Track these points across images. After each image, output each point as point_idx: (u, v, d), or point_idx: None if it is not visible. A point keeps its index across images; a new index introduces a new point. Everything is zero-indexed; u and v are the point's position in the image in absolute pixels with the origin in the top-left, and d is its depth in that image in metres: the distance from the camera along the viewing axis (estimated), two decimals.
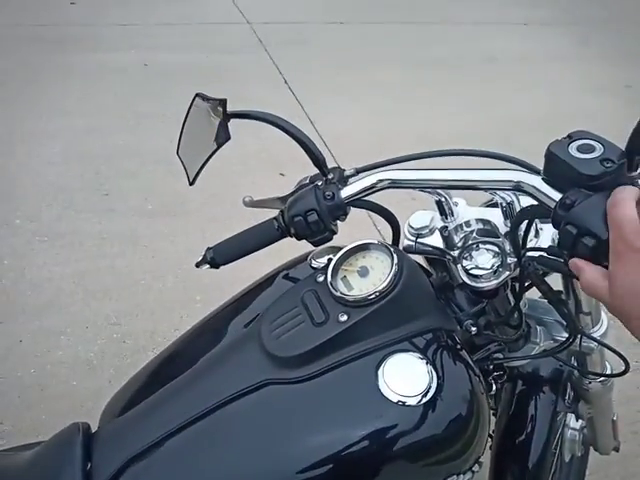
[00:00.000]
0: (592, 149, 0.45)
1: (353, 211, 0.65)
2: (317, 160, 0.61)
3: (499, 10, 4.43)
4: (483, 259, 0.63)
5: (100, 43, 3.32)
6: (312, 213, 0.59)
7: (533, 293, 0.69)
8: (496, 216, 0.63)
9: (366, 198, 0.61)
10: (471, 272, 0.64)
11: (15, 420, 1.41)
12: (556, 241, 0.61)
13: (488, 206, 0.73)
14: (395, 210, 0.68)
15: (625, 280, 0.38)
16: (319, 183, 0.63)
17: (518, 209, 0.59)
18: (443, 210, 0.64)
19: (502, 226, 0.62)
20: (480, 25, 4.13)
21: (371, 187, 0.59)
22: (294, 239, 0.63)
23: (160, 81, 2.98)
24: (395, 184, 0.58)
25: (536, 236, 0.62)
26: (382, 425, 0.52)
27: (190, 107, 0.67)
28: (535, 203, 0.53)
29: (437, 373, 0.54)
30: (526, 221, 0.58)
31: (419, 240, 0.70)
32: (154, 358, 0.72)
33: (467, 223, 0.64)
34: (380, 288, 0.55)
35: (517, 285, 0.70)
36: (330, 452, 0.52)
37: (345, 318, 0.56)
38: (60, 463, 0.58)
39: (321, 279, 0.60)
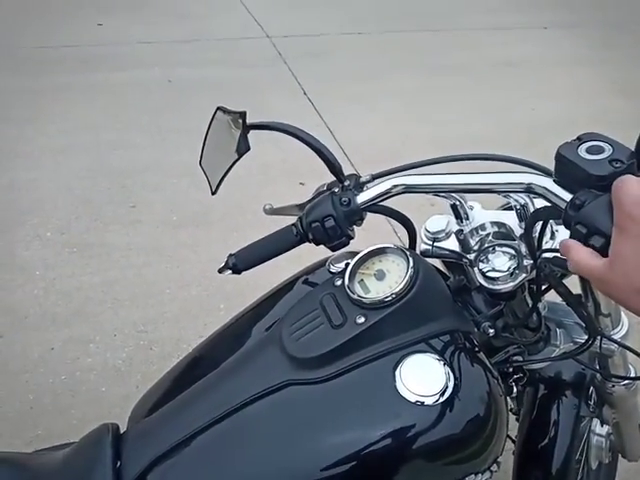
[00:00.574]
0: (601, 150, 0.46)
1: (374, 217, 0.67)
2: (334, 167, 0.64)
3: (518, 14, 4.41)
4: (499, 261, 0.64)
5: (125, 61, 3.43)
6: (329, 219, 0.61)
7: (553, 296, 0.70)
8: (511, 219, 0.64)
9: (382, 203, 0.63)
10: (488, 274, 0.65)
11: (48, 425, 1.46)
12: None
13: (503, 209, 0.74)
14: (415, 215, 0.69)
15: (628, 254, 0.39)
16: (336, 190, 0.65)
17: (532, 211, 0.60)
18: (458, 214, 0.66)
19: (517, 228, 0.63)
20: (498, 30, 4.12)
21: (386, 192, 0.61)
22: (312, 244, 0.65)
23: (184, 96, 3.06)
24: (409, 189, 0.60)
25: (552, 238, 0.63)
26: (400, 425, 0.54)
27: (212, 120, 0.70)
28: (547, 204, 0.54)
29: (454, 373, 0.55)
30: (540, 223, 0.59)
31: (436, 244, 0.71)
32: (179, 362, 0.75)
33: (482, 226, 0.65)
34: (396, 290, 0.57)
35: (534, 287, 0.70)
36: (350, 451, 0.54)
37: (362, 320, 0.57)
38: (91, 462, 0.61)
39: (339, 283, 0.62)
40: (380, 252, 0.62)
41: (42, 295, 1.85)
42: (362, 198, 0.62)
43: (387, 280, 0.60)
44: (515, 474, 0.91)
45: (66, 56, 3.42)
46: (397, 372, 0.55)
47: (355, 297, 0.59)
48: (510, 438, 0.74)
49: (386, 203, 0.64)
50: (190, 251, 2.06)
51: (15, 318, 1.76)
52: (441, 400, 0.53)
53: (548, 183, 0.49)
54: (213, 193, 0.71)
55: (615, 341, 0.71)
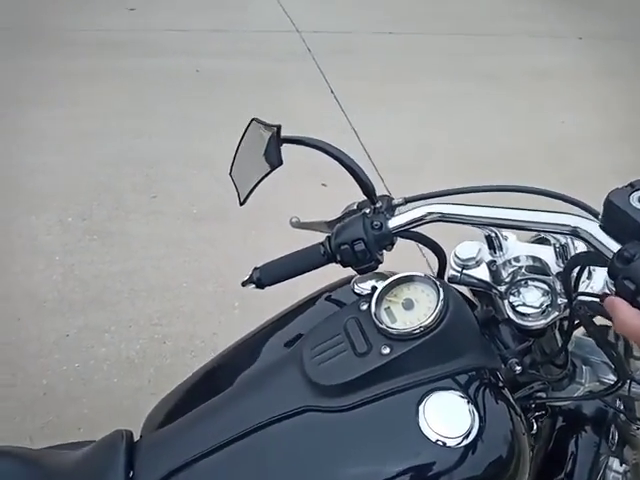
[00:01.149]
0: None
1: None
2: (367, 188, 0.62)
3: (554, 22, 4.32)
4: (532, 296, 0.62)
5: (155, 48, 3.44)
6: (359, 242, 0.60)
7: (580, 330, 0.67)
8: (548, 254, 0.62)
9: (414, 230, 0.61)
10: (518, 309, 0.63)
11: (59, 412, 1.48)
12: (609, 285, 0.60)
13: (537, 241, 0.71)
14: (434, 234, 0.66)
15: None
16: (367, 211, 0.63)
17: (572, 251, 0.57)
18: (492, 244, 0.64)
19: (553, 265, 0.61)
20: (532, 37, 4.03)
21: (420, 219, 0.59)
22: (340, 265, 0.64)
23: (210, 87, 3.06)
24: (445, 218, 0.58)
25: (589, 277, 0.61)
26: (418, 463, 0.52)
27: (246, 130, 0.69)
28: (590, 249, 0.51)
29: (479, 414, 0.53)
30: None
31: (465, 271, 0.69)
32: (196, 372, 0.74)
33: (517, 259, 0.63)
34: (425, 323, 0.55)
35: (565, 324, 0.68)
36: None
37: (388, 351, 0.56)
38: (104, 469, 0.60)
39: (364, 307, 0.60)
40: (409, 280, 0.60)
41: (61, 281, 1.87)
42: (394, 223, 0.61)
43: (415, 311, 0.58)
44: None
45: (97, 40, 3.44)
46: (421, 408, 0.53)
47: (381, 326, 0.57)
48: None
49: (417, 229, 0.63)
50: (209, 246, 2.06)
51: (33, 302, 1.78)
52: (465, 443, 0.51)
53: (595, 229, 0.47)
54: (241, 204, 0.70)
55: None
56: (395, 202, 0.63)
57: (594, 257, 0.48)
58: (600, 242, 0.46)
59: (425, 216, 0.59)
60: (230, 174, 0.70)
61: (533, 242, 0.70)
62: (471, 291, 0.73)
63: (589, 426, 0.89)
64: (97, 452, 0.64)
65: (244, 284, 0.69)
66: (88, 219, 2.14)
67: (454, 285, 0.66)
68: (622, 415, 0.83)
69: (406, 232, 0.61)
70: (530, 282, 0.63)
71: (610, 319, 0.54)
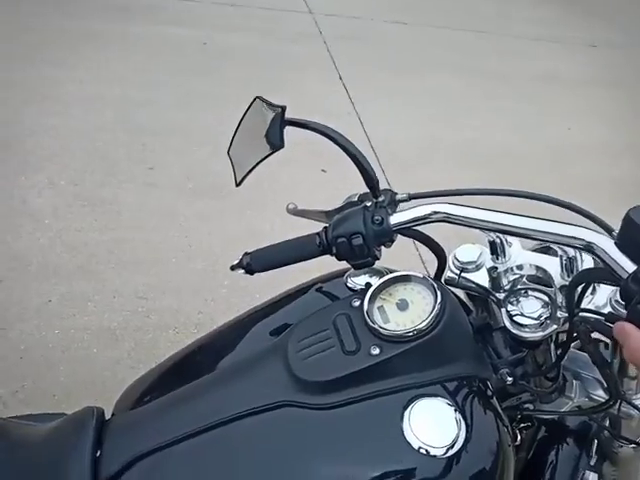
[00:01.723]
0: None
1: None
2: (370, 180, 0.59)
3: (568, 28, 4.26)
4: (531, 307, 0.60)
5: (164, 16, 3.36)
6: (357, 237, 0.57)
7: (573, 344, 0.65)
8: (552, 265, 0.59)
9: (415, 228, 0.58)
10: (515, 319, 0.61)
11: (35, 377, 1.45)
12: (613, 302, 0.57)
13: (540, 250, 0.69)
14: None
15: None
16: (368, 204, 0.60)
17: (580, 265, 0.55)
18: (495, 250, 0.61)
19: (557, 277, 0.59)
20: (545, 41, 3.98)
21: (424, 218, 0.56)
22: (334, 258, 0.61)
23: (217, 61, 2.99)
24: (450, 219, 0.55)
25: (592, 292, 0.58)
26: (399, 470, 0.50)
27: (248, 108, 0.65)
28: (601, 267, 0.49)
29: (466, 424, 0.51)
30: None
31: (463, 274, 0.67)
32: (175, 354, 0.71)
33: (520, 267, 0.61)
34: (420, 327, 0.53)
35: (561, 339, 0.66)
36: None
37: (377, 352, 0.53)
38: (71, 446, 0.58)
39: (357, 304, 0.58)
40: (406, 279, 0.58)
41: (47, 245, 1.83)
42: (396, 219, 0.58)
43: (410, 312, 0.55)
44: None
45: (105, 3, 3.35)
46: (407, 413, 0.51)
47: (374, 326, 0.55)
48: None
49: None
50: (202, 222, 2.02)
51: (18, 265, 1.74)
52: (449, 453, 0.49)
53: (610, 247, 0.45)
54: (237, 185, 0.67)
55: (638, 407, 0.66)
56: (398, 197, 0.61)
57: (606, 275, 0.46)
58: (615, 261, 0.44)
59: (430, 215, 0.56)
60: (228, 153, 0.67)
61: (536, 250, 0.67)
62: (467, 295, 0.71)
63: (571, 438, 0.88)
64: (65, 427, 0.62)
65: (233, 268, 0.66)
66: (80, 184, 2.10)
67: (450, 287, 0.64)
68: (606, 432, 0.81)
69: (408, 230, 0.58)
70: (530, 292, 0.61)
71: (612, 339, 0.52)
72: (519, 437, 0.73)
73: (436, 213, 0.56)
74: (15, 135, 2.25)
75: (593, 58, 3.86)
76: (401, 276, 0.58)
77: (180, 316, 1.67)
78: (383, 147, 2.47)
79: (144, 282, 1.76)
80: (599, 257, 0.45)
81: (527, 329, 0.60)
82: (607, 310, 0.57)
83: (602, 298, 0.58)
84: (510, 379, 0.60)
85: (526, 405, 0.69)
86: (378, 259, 0.60)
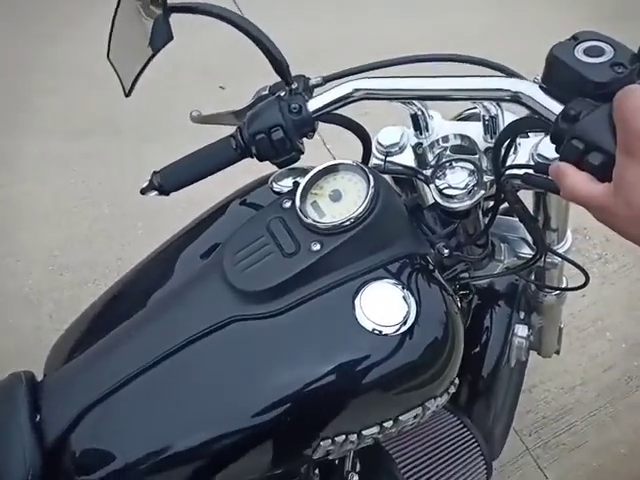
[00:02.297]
0: (601, 52, 0.40)
1: None
2: (280, 66, 0.53)
3: None
4: (457, 178, 0.60)
5: None
6: (277, 129, 0.52)
7: None
8: (474, 131, 0.59)
9: (336, 111, 0.54)
10: (444, 192, 0.60)
11: None
12: (535, 157, 0.58)
13: (461, 119, 0.68)
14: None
15: (636, 180, 0.34)
16: (282, 94, 0.55)
17: (501, 124, 0.54)
18: (418, 125, 0.59)
19: (481, 141, 0.58)
20: None
21: (344, 98, 0.52)
22: (255, 160, 0.56)
23: None
24: (372, 94, 0.51)
25: (514, 152, 0.59)
26: (360, 355, 0.50)
27: (118, 5, 0.55)
28: (523, 116, 0.48)
29: (415, 299, 0.52)
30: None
31: (388, 159, 0.65)
32: (102, 296, 0.65)
33: (445, 138, 0.59)
34: (356, 214, 0.51)
35: (489, 204, 0.67)
36: (308, 386, 0.50)
37: (318, 247, 0.51)
38: (4, 418, 0.52)
39: (288, 205, 0.55)
40: (335, 170, 0.55)
41: None
42: (315, 105, 0.53)
43: (344, 202, 0.53)
44: None
45: None
46: (357, 301, 0.50)
47: (309, 221, 0.52)
48: None
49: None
50: (98, 164, 1.84)
51: None
52: (403, 329, 0.50)
53: (536, 91, 0.43)
54: (127, 94, 0.58)
55: (561, 255, 0.71)
56: (313, 82, 0.55)
57: (533, 122, 0.45)
58: (542, 105, 0.43)
59: (351, 94, 0.52)
60: (108, 57, 0.57)
61: (457, 120, 0.66)
62: (393, 179, 0.70)
63: (502, 300, 0.94)
64: None
65: (144, 192, 0.59)
66: None
67: None
68: (533, 285, 0.88)
69: (328, 115, 0.54)
70: (455, 163, 0.61)
71: (544, 189, 0.53)
72: (460, 305, 0.77)
73: (357, 90, 0.51)
74: None
75: None
76: (330, 167, 0.55)
77: (97, 267, 1.56)
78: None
79: (48, 238, 1.60)
80: (526, 106, 0.44)
81: (456, 199, 0.60)
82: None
83: (524, 156, 0.59)
84: (447, 251, 0.61)
85: (462, 275, 0.72)
86: (303, 153, 0.56)
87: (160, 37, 0.53)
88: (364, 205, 0.51)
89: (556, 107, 0.42)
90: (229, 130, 0.61)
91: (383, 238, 0.54)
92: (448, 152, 0.61)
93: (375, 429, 0.51)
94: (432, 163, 0.62)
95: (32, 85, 2.07)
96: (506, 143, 0.53)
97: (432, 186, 0.62)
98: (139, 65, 0.56)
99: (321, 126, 0.58)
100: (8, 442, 0.51)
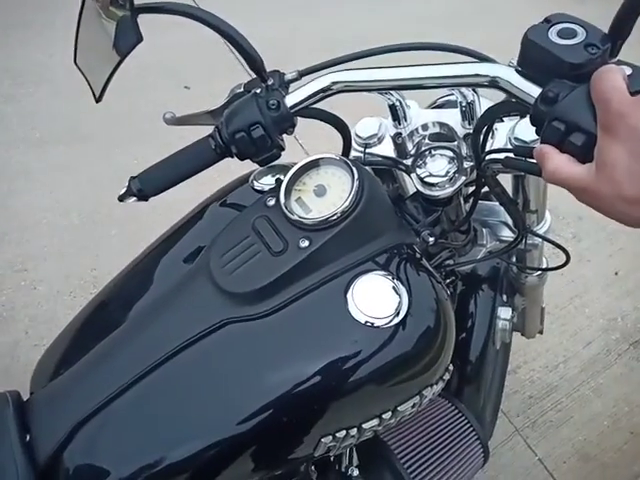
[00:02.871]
0: (574, 34, 0.40)
1: None
2: (254, 63, 0.52)
3: None
4: (438, 166, 0.60)
5: None
6: (257, 127, 0.51)
7: None
8: (452, 118, 0.59)
9: (314, 105, 0.54)
10: (426, 180, 0.61)
11: None
12: (512, 140, 0.59)
13: (435, 107, 0.68)
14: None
15: (617, 157, 0.34)
16: (258, 91, 0.54)
17: (478, 110, 0.55)
18: (396, 115, 0.59)
19: (459, 128, 0.58)
20: None
21: (322, 91, 0.52)
22: (236, 159, 0.55)
23: None
24: (350, 87, 0.51)
25: (491, 137, 0.59)
26: (356, 349, 0.50)
27: (82, 5, 0.53)
28: (500, 100, 0.49)
29: (406, 289, 0.52)
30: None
31: (368, 150, 0.65)
32: (85, 308, 0.63)
33: (424, 127, 0.59)
34: (342, 207, 0.50)
35: (470, 190, 0.68)
36: (306, 384, 0.49)
37: (306, 244, 0.50)
38: None
39: (272, 203, 0.54)
40: (317, 164, 0.54)
41: None
42: (293, 100, 0.52)
43: (329, 196, 0.52)
44: None
45: None
46: (349, 295, 0.50)
47: (295, 218, 0.51)
48: None
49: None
50: (64, 173, 1.78)
51: None
52: (396, 320, 0.50)
53: (513, 75, 0.44)
54: (97, 100, 0.57)
55: (541, 236, 0.72)
56: (288, 77, 0.55)
57: (512, 106, 0.46)
58: (520, 89, 0.43)
59: (329, 87, 0.51)
60: (75, 63, 0.55)
61: (433, 108, 0.66)
62: (372, 171, 0.70)
63: (485, 285, 0.96)
64: None
65: (122, 198, 0.58)
66: None
67: None
68: (514, 267, 0.89)
69: (307, 110, 0.53)
70: (434, 151, 0.61)
71: (525, 171, 0.53)
72: (448, 292, 0.77)
73: (335, 83, 0.51)
74: None
75: None
76: (311, 162, 0.54)
77: (72, 279, 1.52)
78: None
79: (17, 253, 1.55)
80: (504, 90, 0.45)
81: (438, 187, 0.60)
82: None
83: (501, 140, 0.60)
84: (432, 239, 0.61)
85: (447, 262, 0.72)
86: (283, 149, 0.55)
87: (127, 39, 0.51)
88: (350, 198, 0.51)
89: (534, 90, 0.42)
90: (200, 129, 0.60)
91: (370, 230, 0.53)
92: (427, 140, 0.61)
93: (375, 421, 0.51)
94: (412, 152, 0.62)
95: None
96: (485, 128, 0.53)
97: (413, 175, 0.62)
98: (108, 69, 0.54)
99: None
100: None
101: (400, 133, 0.60)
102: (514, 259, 0.86)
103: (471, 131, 0.56)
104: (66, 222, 1.65)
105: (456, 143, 0.60)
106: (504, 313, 1.01)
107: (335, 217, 0.50)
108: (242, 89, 0.57)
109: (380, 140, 0.65)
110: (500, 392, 1.10)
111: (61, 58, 2.07)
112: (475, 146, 0.54)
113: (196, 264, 0.56)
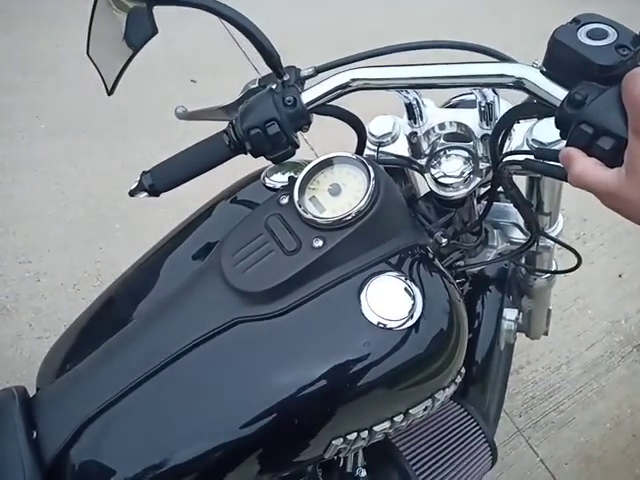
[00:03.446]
0: (604, 35, 0.40)
1: None
2: (271, 58, 0.51)
3: None
4: (452, 166, 0.59)
5: None
6: (272, 124, 0.50)
7: None
8: (470, 118, 0.58)
9: (331, 103, 0.53)
10: (440, 181, 0.60)
11: None
12: (530, 142, 0.58)
13: (448, 107, 0.67)
14: None
15: None
16: (274, 86, 0.53)
17: (497, 111, 0.54)
18: (412, 114, 0.58)
19: (476, 128, 0.58)
20: None
21: (341, 88, 0.51)
22: (249, 156, 0.54)
23: None
24: (370, 84, 0.50)
25: (508, 138, 0.59)
26: (369, 351, 0.49)
27: (95, 3, 0.53)
28: (523, 101, 0.48)
29: (420, 291, 0.51)
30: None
31: (381, 149, 0.64)
32: (93, 303, 0.63)
33: (441, 126, 0.59)
34: (358, 207, 0.50)
35: (483, 190, 0.67)
36: (317, 385, 0.49)
37: (320, 244, 0.50)
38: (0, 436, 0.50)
39: (285, 201, 0.53)
40: (332, 162, 0.53)
41: None
42: (309, 96, 0.51)
43: (344, 195, 0.52)
44: None
45: None
46: (363, 296, 0.49)
47: (309, 217, 0.50)
48: None
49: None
50: (69, 165, 1.78)
51: None
52: (410, 322, 0.49)
53: (539, 77, 0.43)
54: (109, 93, 0.56)
55: (554, 239, 0.72)
56: (304, 73, 0.54)
57: (535, 108, 0.45)
58: (546, 91, 0.42)
59: (348, 84, 0.50)
60: (88, 54, 0.54)
61: (446, 107, 0.66)
62: (385, 170, 0.69)
63: (493, 286, 0.95)
64: None
65: (133, 193, 0.57)
66: None
67: None
68: (523, 269, 0.89)
69: (323, 107, 0.53)
70: (450, 151, 0.60)
71: (546, 174, 0.53)
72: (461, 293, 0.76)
73: (354, 80, 0.50)
74: None
75: None
76: (326, 160, 0.53)
77: (76, 271, 1.51)
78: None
79: (21, 245, 1.55)
80: (529, 91, 0.44)
81: (452, 188, 0.59)
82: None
83: (518, 141, 0.59)
84: (444, 240, 0.61)
85: (458, 263, 0.72)
86: (298, 147, 0.54)
87: (140, 32, 0.50)
88: (366, 198, 0.50)
89: (560, 92, 0.41)
90: (210, 123, 0.59)
91: (385, 230, 0.53)
92: (442, 140, 0.61)
93: (386, 424, 0.51)
94: (426, 152, 0.61)
95: None
96: (504, 130, 0.52)
97: (427, 175, 0.61)
98: (120, 62, 0.53)
99: None
100: (6, 461, 0.48)
101: (415, 132, 0.60)
102: (523, 261, 0.86)
103: (489, 132, 0.55)
104: (71, 214, 1.65)
105: (472, 143, 0.59)
106: (510, 314, 1.00)
107: (350, 217, 0.50)
108: (257, 84, 0.57)
109: (394, 139, 0.64)
110: (503, 392, 1.09)
111: (68, 49, 2.06)
112: (493, 147, 0.54)
113: (207, 262, 0.55)
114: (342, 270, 0.51)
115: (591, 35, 0.40)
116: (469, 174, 0.59)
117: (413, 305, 0.50)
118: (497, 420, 1.05)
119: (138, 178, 0.56)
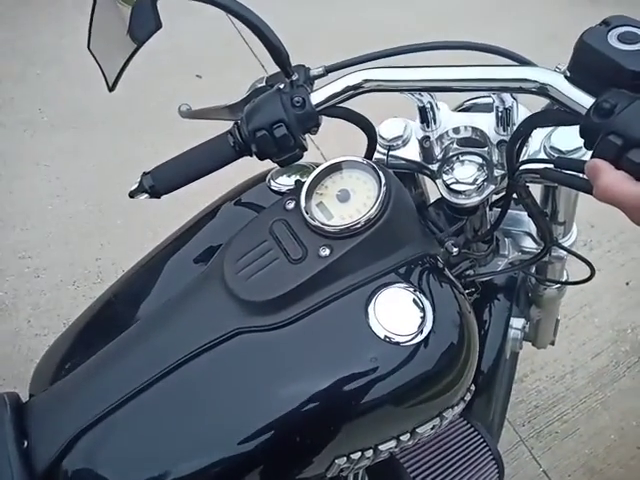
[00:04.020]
0: (636, 38, 0.37)
1: None
2: (279, 56, 0.49)
3: None
4: (466, 172, 0.57)
5: None
6: (280, 125, 0.48)
7: None
8: (485, 123, 0.56)
9: (341, 105, 0.51)
10: (452, 187, 0.57)
11: None
12: (547, 149, 0.56)
13: (463, 110, 0.65)
14: None
15: None
16: (282, 86, 0.51)
17: (516, 116, 0.51)
18: (426, 117, 0.56)
19: (492, 133, 0.55)
20: None
21: (353, 89, 0.48)
22: (255, 158, 0.52)
23: None
24: (383, 86, 0.48)
25: (525, 145, 0.56)
26: (375, 366, 0.47)
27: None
28: (543, 108, 0.46)
29: (431, 304, 0.49)
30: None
31: (391, 153, 0.62)
32: (89, 307, 0.61)
33: (456, 130, 0.56)
34: (367, 215, 0.47)
35: (495, 198, 0.65)
36: (320, 401, 0.46)
37: (327, 252, 0.47)
38: None
39: (291, 206, 0.51)
40: (341, 167, 0.51)
41: None
42: (319, 97, 0.49)
43: (353, 202, 0.49)
44: None
45: None
46: (370, 308, 0.47)
47: (316, 224, 0.48)
48: None
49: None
50: (71, 158, 1.76)
51: None
52: (420, 337, 0.47)
53: (564, 83, 0.40)
54: (111, 89, 0.54)
55: (567, 249, 0.69)
56: (314, 73, 0.51)
57: (559, 116, 0.42)
58: (571, 98, 0.40)
59: (360, 85, 0.48)
60: (89, 48, 0.52)
61: (459, 111, 0.63)
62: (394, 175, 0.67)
63: (501, 294, 0.93)
64: None
65: (133, 195, 0.55)
66: None
67: None
68: (533, 279, 0.86)
69: (333, 109, 0.50)
70: (463, 157, 0.58)
71: (566, 185, 0.50)
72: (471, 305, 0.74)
73: (367, 81, 0.48)
74: None
75: None
76: (335, 164, 0.51)
77: (76, 268, 1.49)
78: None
79: (21, 239, 1.53)
80: (553, 98, 0.41)
81: (465, 195, 0.57)
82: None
83: (535, 147, 0.56)
84: (455, 250, 0.58)
85: (467, 272, 0.69)
86: (306, 150, 0.52)
87: (144, 26, 0.48)
88: (376, 206, 0.48)
89: (585, 99, 0.39)
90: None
91: (395, 239, 0.50)
92: (455, 145, 0.58)
93: (392, 443, 0.48)
94: (439, 157, 0.59)
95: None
96: (522, 137, 0.50)
97: (439, 181, 0.59)
98: (123, 56, 0.51)
99: None
100: None
101: (428, 136, 0.57)
102: (534, 270, 0.83)
103: (505, 138, 0.53)
104: (72, 209, 1.63)
105: (487, 149, 0.57)
106: (516, 323, 0.98)
107: (359, 225, 0.47)
108: (264, 83, 0.54)
109: (405, 142, 0.62)
110: (507, 401, 1.07)
111: (72, 40, 2.04)
112: (510, 154, 0.51)
113: (209, 268, 0.53)
114: (349, 281, 0.48)
115: (622, 39, 0.37)
116: (483, 181, 0.57)
117: (423, 319, 0.48)
118: (500, 429, 1.03)
119: (138, 179, 0.54)
